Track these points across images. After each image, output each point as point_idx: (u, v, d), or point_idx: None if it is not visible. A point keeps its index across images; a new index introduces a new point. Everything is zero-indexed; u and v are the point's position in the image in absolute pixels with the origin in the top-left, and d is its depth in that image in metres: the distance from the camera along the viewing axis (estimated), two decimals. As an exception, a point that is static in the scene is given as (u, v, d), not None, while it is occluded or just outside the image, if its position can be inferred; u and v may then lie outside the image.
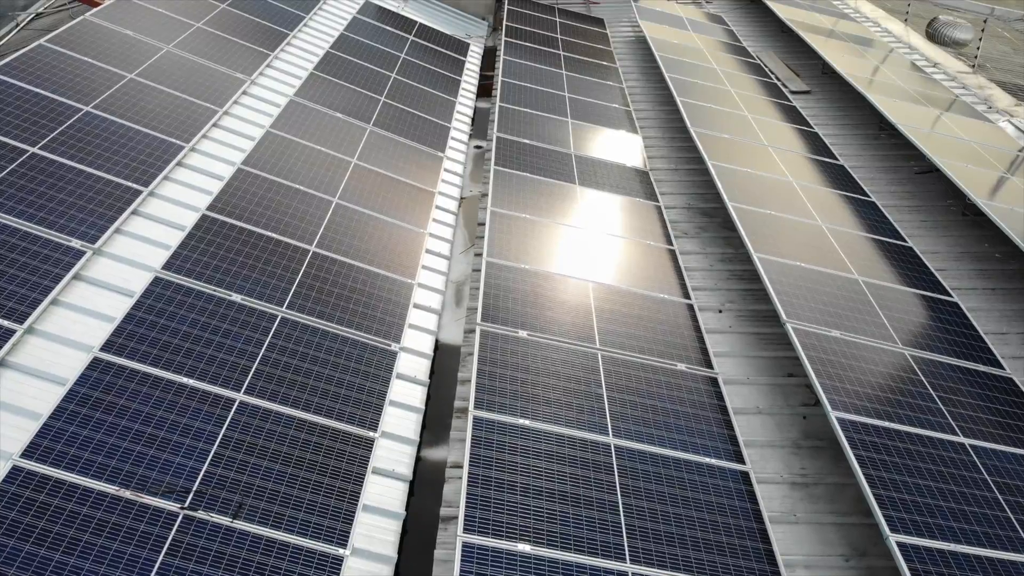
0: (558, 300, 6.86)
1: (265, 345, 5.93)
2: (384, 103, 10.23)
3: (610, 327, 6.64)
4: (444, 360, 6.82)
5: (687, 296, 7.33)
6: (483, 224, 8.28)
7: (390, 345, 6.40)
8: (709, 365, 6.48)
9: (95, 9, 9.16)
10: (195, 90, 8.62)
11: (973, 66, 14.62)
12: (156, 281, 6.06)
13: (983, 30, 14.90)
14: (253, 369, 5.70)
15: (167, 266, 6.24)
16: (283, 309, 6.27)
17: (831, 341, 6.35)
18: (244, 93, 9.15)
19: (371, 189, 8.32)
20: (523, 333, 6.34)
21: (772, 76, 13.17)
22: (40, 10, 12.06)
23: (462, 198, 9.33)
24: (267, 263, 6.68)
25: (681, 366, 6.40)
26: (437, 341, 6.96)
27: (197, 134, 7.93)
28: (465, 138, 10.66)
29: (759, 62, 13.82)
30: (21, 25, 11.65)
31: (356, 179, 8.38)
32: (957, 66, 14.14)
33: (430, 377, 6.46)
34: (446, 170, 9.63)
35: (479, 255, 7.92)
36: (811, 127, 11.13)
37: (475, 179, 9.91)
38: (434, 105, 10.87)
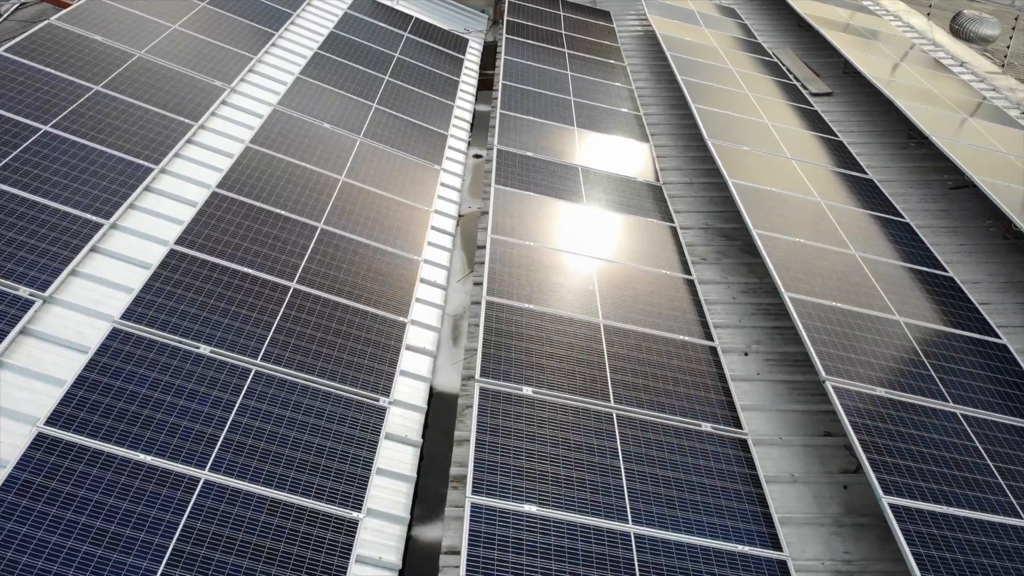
0: (566, 345, 6.15)
1: (235, 408, 5.22)
2: (376, 110, 9.46)
3: (625, 379, 5.93)
4: (440, 411, 6.13)
5: (709, 337, 6.62)
6: (483, 247, 7.56)
7: (378, 400, 5.70)
8: (738, 424, 5.78)
9: (60, 13, 8.37)
10: (168, 102, 7.85)
11: (1002, 65, 13.83)
12: (103, 348, 5.35)
13: (1013, 28, 14.09)
14: (221, 439, 4.99)
15: (114, 333, 5.52)
16: (257, 361, 5.57)
17: (877, 402, 5.65)
18: (223, 103, 8.39)
19: (361, 211, 7.58)
20: (527, 390, 5.64)
21: (791, 76, 12.38)
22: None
23: (460, 215, 8.61)
24: (241, 305, 5.96)
25: (706, 426, 5.70)
26: (432, 389, 6.26)
27: (168, 153, 7.18)
28: (463, 147, 9.90)
29: (776, 60, 13.02)
30: (5, 16, 10.86)
31: (344, 199, 7.64)
32: (985, 65, 13.35)
33: (423, 435, 5.77)
34: (443, 184, 8.89)
35: (478, 283, 7.21)
36: (835, 135, 10.37)
37: (474, 193, 9.17)
38: (431, 111, 10.10)
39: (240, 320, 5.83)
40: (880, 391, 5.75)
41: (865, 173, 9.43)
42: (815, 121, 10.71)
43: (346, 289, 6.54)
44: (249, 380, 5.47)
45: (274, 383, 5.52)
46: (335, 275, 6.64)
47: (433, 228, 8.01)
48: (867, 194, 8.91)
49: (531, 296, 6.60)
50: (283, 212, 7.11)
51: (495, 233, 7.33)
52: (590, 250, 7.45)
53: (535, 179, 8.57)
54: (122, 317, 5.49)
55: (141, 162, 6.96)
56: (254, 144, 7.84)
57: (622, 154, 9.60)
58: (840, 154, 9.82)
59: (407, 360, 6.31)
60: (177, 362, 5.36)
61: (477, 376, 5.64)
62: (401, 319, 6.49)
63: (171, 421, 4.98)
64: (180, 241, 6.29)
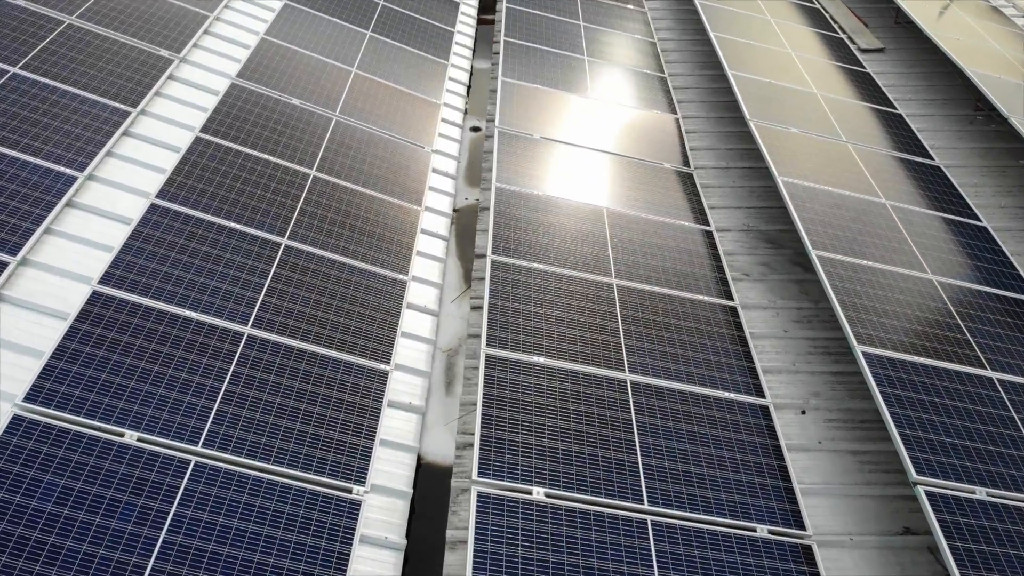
0: (582, 414, 4.94)
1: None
2: (356, 75, 7.96)
3: (660, 464, 4.71)
4: (429, 489, 4.96)
5: (760, 391, 5.39)
6: (482, 279, 6.24)
7: (351, 491, 4.49)
8: (799, 523, 4.61)
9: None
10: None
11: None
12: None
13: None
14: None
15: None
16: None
17: (977, 510, 4.47)
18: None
19: (335, 215, 6.21)
20: (539, 493, 4.43)
21: (836, 28, 10.80)
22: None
23: (455, 211, 7.25)
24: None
25: (762, 530, 4.53)
26: (419, 460, 5.06)
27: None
28: (459, 118, 8.45)
29: (819, 6, 11.40)
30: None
31: (318, 194, 6.27)
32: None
33: (407, 535, 4.59)
34: (435, 170, 7.49)
35: (477, 307, 5.94)
36: (893, 106, 8.92)
37: (471, 180, 7.79)
38: (419, 74, 8.59)
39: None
40: (980, 493, 4.57)
41: (931, 158, 8.04)
42: (868, 88, 9.23)
43: (312, 334, 5.24)
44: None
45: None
46: (301, 311, 5.33)
47: (423, 231, 6.68)
48: (936, 187, 7.55)
49: (538, 346, 5.34)
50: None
51: (495, 252, 6.01)
52: (611, 268, 6.15)
53: (541, 172, 7.18)
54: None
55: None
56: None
57: (647, 133, 8.17)
58: (900, 133, 8.40)
59: (389, 424, 5.07)
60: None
61: (474, 476, 4.43)
62: (383, 367, 5.22)
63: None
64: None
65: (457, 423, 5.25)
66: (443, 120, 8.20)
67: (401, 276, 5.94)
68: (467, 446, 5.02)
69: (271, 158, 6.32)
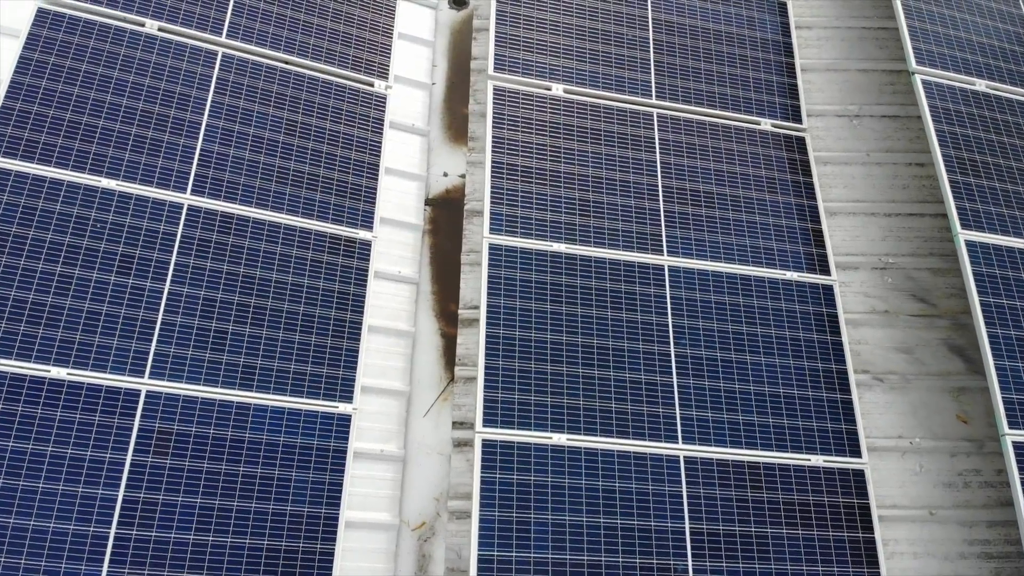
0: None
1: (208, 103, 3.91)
2: None
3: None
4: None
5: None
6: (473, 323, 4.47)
7: (373, 84, 4.01)
8: (797, 117, 4.72)
9: None
10: None
11: None
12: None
13: None
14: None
15: None
16: (223, 40, 3.99)
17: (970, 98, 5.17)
18: None
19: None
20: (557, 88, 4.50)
21: None
22: None
23: (427, 201, 4.48)
24: None
25: (766, 123, 4.67)
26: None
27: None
28: None
29: None
30: None
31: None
32: None
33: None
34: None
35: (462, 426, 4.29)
36: None
37: (455, 138, 4.61)
38: None
39: None
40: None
41: None
42: None
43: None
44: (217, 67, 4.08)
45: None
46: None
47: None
48: None
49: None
50: None
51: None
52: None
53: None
54: None
55: None
56: None
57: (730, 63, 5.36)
58: None
59: None
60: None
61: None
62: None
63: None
64: None
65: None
66: None
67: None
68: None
69: None
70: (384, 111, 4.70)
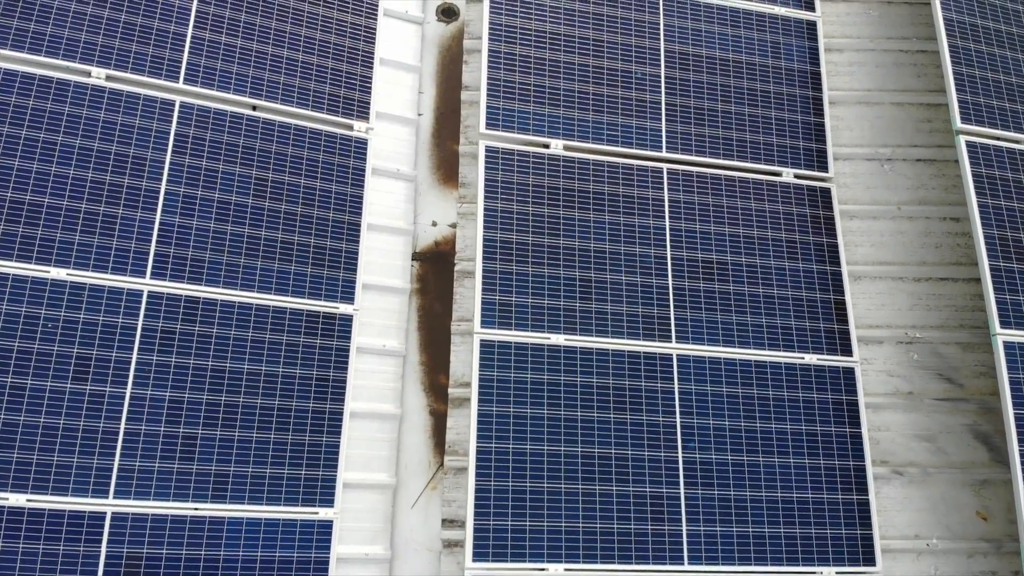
0: None
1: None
2: None
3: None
4: None
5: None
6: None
7: None
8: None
9: None
10: None
11: None
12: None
13: None
14: None
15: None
16: None
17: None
18: None
19: None
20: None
21: None
22: None
23: (415, 256, 4.42)
24: None
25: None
26: None
27: None
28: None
29: None
30: None
31: None
32: None
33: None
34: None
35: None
36: None
37: (444, 179, 4.58)
38: None
39: None
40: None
41: None
42: None
43: None
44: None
45: None
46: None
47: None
48: None
49: None
50: None
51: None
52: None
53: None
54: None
55: None
56: None
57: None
58: None
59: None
60: None
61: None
62: None
63: None
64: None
65: None
66: None
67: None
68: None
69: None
70: (365, 159, 4.23)
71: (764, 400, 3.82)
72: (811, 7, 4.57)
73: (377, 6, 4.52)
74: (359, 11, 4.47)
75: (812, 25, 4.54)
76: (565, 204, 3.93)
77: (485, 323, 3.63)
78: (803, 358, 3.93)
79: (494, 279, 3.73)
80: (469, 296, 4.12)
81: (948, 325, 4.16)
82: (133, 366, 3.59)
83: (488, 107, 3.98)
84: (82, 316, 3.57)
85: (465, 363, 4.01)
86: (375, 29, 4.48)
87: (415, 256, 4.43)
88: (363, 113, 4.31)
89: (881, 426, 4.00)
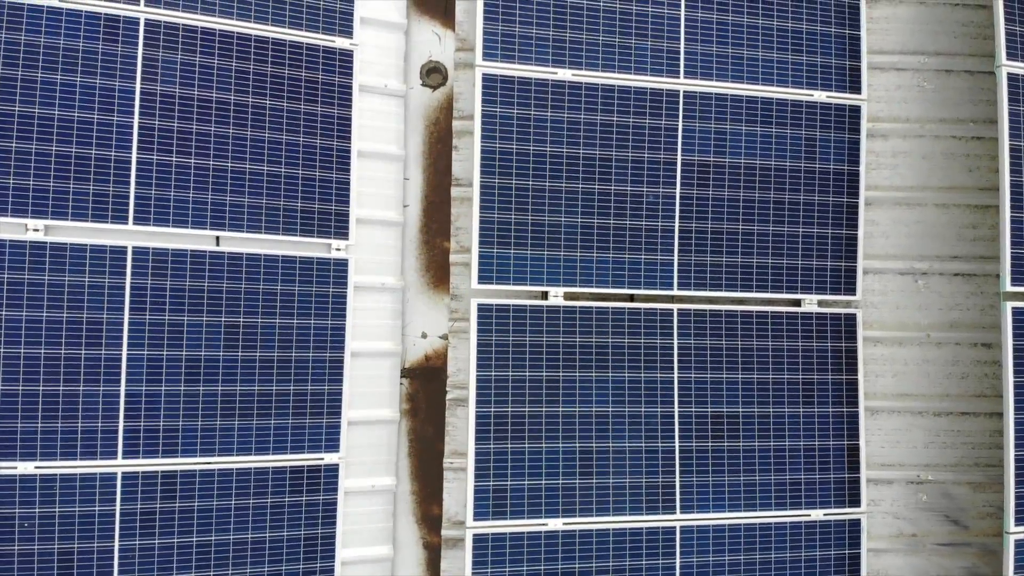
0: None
1: None
2: None
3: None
4: None
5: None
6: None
7: None
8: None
9: None
10: None
11: None
12: None
13: None
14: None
15: None
16: None
17: None
18: None
19: None
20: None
21: None
22: None
23: (404, 375, 4.47)
24: None
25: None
26: None
27: None
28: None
29: None
30: None
31: None
32: None
33: None
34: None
35: None
36: None
37: (435, 283, 4.51)
38: None
39: None
40: None
41: None
42: None
43: None
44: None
45: None
46: None
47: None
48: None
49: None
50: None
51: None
52: None
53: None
54: None
55: None
56: None
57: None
58: None
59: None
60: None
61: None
62: None
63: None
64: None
65: None
66: None
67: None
68: None
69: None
70: (346, 283, 3.82)
71: (766, 564, 3.74)
72: (856, 86, 3.92)
73: (351, 87, 3.86)
74: (330, 97, 3.84)
75: (855, 111, 3.93)
76: (566, 364, 3.60)
77: (478, 515, 3.46)
78: (809, 515, 3.79)
79: (487, 462, 3.50)
80: (462, 428, 3.89)
81: (963, 464, 3.99)
82: (116, 553, 3.46)
83: (481, 257, 3.53)
84: (56, 510, 3.38)
85: (459, 502, 3.87)
86: (350, 119, 3.86)
87: (404, 373, 4.14)
88: (341, 228, 3.83)
89: (880, 570, 3.95)
